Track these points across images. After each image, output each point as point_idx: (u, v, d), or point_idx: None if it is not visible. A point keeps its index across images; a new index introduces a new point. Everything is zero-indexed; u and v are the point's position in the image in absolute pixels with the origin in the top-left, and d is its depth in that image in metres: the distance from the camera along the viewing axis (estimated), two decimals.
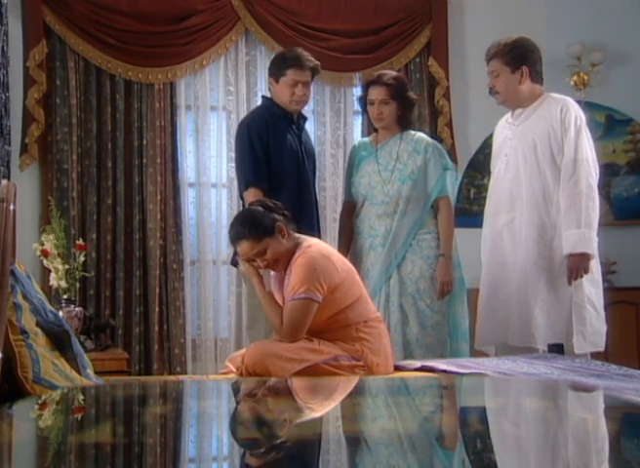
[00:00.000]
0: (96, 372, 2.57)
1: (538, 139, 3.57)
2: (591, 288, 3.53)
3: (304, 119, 3.90)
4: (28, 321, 2.27)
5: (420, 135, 3.95)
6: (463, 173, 5.39)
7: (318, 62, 3.79)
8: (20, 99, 4.65)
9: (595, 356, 3.55)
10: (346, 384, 2.58)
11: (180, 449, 1.56)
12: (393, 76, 3.89)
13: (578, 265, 3.44)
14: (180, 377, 3.49)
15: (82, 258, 4.04)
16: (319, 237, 3.58)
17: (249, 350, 2.94)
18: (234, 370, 2.99)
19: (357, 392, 2.41)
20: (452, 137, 5.35)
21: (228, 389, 2.54)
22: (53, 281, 3.96)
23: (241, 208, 3.92)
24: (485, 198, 3.88)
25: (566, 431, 1.66)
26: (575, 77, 5.50)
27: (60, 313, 3.55)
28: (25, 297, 2.32)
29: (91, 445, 1.54)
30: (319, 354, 2.89)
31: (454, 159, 5.08)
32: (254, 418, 1.89)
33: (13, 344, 2.16)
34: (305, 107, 3.97)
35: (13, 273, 2.25)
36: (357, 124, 5.33)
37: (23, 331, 2.21)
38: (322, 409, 2.05)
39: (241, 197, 3.78)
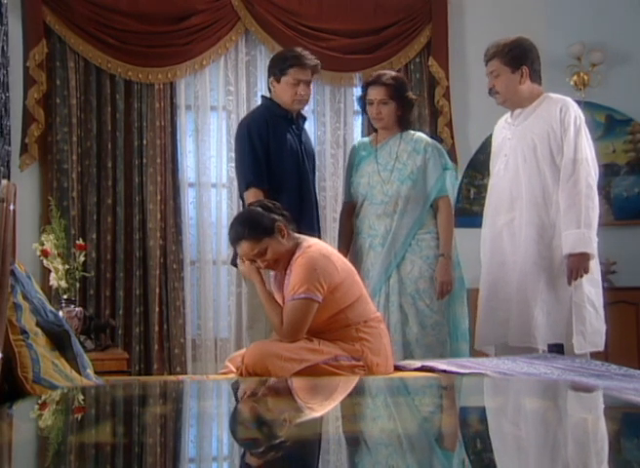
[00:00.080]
0: (96, 372, 2.57)
1: (537, 139, 3.57)
2: (591, 287, 3.53)
3: (304, 119, 3.90)
4: (28, 321, 2.27)
5: (420, 134, 3.95)
6: (463, 173, 5.40)
7: (318, 61, 3.80)
8: (20, 99, 4.65)
9: (595, 356, 3.55)
10: (346, 384, 2.58)
11: (180, 449, 1.56)
12: (392, 76, 3.89)
13: (577, 265, 3.44)
14: (180, 377, 3.49)
15: (82, 258, 4.04)
16: (319, 237, 3.58)
17: (249, 350, 2.94)
18: (234, 370, 2.99)
19: (357, 392, 2.41)
20: (452, 137, 5.35)
21: (228, 389, 2.54)
22: (53, 281, 3.97)
23: (241, 208, 3.92)
24: (485, 198, 3.88)
25: (566, 431, 1.66)
26: (575, 77, 5.51)
27: (60, 313, 3.55)
28: (25, 297, 2.32)
29: (91, 445, 1.54)
30: (319, 354, 2.89)
31: (454, 159, 5.08)
32: (254, 418, 1.89)
33: (13, 344, 2.16)
34: (305, 107, 3.98)
35: (13, 273, 2.25)
36: (357, 124, 5.33)
37: (23, 331, 2.21)
38: (322, 409, 2.05)
39: (241, 197, 3.78)
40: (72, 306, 3.92)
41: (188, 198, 4.99)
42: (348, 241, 3.91)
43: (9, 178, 4.23)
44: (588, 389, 2.39)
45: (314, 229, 3.66)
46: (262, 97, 3.99)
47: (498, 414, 1.92)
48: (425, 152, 3.83)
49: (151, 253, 4.79)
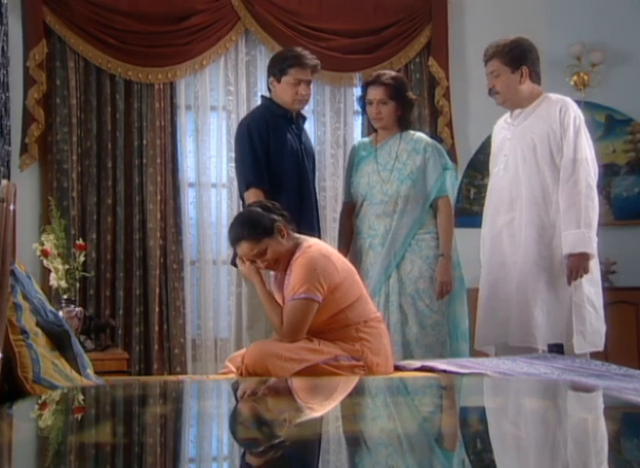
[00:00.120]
0: (96, 372, 2.57)
1: (537, 140, 3.57)
2: (591, 287, 3.54)
3: (304, 119, 3.90)
4: (28, 321, 2.27)
5: (420, 134, 3.95)
6: (463, 173, 5.40)
7: (318, 61, 3.80)
8: (20, 99, 4.65)
9: (595, 356, 3.55)
10: (346, 384, 2.58)
11: (180, 449, 1.56)
12: (392, 76, 3.89)
13: (577, 265, 3.44)
14: (180, 377, 3.49)
15: (82, 258, 4.04)
16: (319, 237, 3.58)
17: (249, 350, 2.94)
18: (234, 370, 2.99)
19: (357, 392, 2.41)
20: (452, 137, 5.35)
21: (228, 389, 2.54)
22: (53, 281, 3.97)
23: (241, 208, 3.92)
24: (485, 198, 3.88)
25: (566, 431, 1.66)
26: (575, 77, 5.51)
27: (60, 313, 3.55)
28: (25, 297, 2.32)
29: (91, 445, 1.54)
30: (319, 354, 2.89)
31: (454, 159, 5.09)
32: (254, 418, 1.89)
33: (13, 344, 2.16)
34: (305, 107, 3.98)
35: (13, 273, 2.25)
36: (357, 124, 5.33)
37: (23, 331, 2.21)
38: (322, 409, 2.05)
39: (241, 197, 3.78)
40: (72, 306, 3.92)
41: (188, 198, 4.99)
42: (348, 241, 3.91)
43: (9, 178, 4.23)
44: (588, 389, 2.39)
45: (314, 229, 3.65)
46: (262, 96, 3.99)
47: (498, 414, 1.92)
48: (425, 152, 3.83)
49: (151, 253, 4.79)
